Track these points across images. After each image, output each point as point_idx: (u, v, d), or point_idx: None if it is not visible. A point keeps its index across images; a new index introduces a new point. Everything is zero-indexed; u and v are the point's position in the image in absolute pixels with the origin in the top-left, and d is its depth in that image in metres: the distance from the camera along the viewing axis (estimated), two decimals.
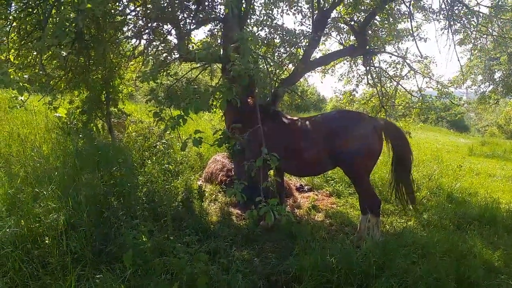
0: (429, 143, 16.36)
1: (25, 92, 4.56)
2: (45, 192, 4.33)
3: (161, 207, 5.02)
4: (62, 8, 3.18)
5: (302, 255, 3.85)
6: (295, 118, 5.19)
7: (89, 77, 5.66)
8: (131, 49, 6.45)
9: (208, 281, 3.25)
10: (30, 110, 7.61)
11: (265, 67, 3.63)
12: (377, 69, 7.67)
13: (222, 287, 3.33)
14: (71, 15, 2.89)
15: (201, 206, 5.68)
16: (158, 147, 6.82)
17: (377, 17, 7.00)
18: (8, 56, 4.37)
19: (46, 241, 3.73)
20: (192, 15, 5.48)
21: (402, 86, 7.74)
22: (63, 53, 3.36)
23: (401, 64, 7.76)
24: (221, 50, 5.72)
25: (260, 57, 3.16)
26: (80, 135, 7.05)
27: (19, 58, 4.45)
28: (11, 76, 3.18)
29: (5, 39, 3.89)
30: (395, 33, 6.85)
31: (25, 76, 4.77)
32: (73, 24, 2.82)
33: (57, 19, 2.79)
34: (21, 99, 4.92)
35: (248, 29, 7.37)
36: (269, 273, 3.82)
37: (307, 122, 4.87)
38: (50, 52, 3.96)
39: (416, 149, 11.76)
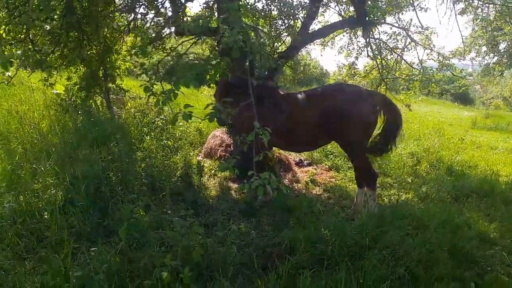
0: (432, 116, 16.27)
1: (15, 68, 4.55)
2: (43, 168, 4.37)
3: (159, 182, 5.05)
4: None
5: (296, 228, 3.89)
6: (291, 93, 5.13)
7: (84, 52, 5.59)
8: (126, 23, 6.35)
9: (204, 253, 3.29)
10: (28, 87, 7.58)
11: (258, 39, 3.55)
12: (377, 41, 7.54)
13: (217, 259, 3.37)
14: None
15: (200, 181, 5.72)
16: (156, 123, 6.81)
17: None
18: None
19: (45, 216, 3.79)
20: None
21: (403, 58, 7.63)
22: (46, 27, 3.31)
23: (402, 35, 7.63)
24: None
25: (251, 28, 3.09)
26: (79, 112, 7.05)
27: (10, 34, 4.41)
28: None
29: None
30: (394, 2, 6.68)
31: (18, 52, 4.74)
32: None
33: None
34: (8, 75, 4.89)
35: (243, 0, 7.25)
36: (264, 245, 3.86)
37: (303, 97, 4.81)
38: (37, 27, 3.89)
39: (418, 122, 11.71)
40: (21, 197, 3.89)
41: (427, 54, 7.46)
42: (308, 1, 6.63)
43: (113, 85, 7.41)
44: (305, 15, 6.52)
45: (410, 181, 6.29)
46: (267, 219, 4.68)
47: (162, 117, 7.09)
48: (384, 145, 4.80)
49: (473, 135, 11.97)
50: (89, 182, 4.16)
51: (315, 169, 6.81)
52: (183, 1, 5.75)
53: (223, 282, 2.95)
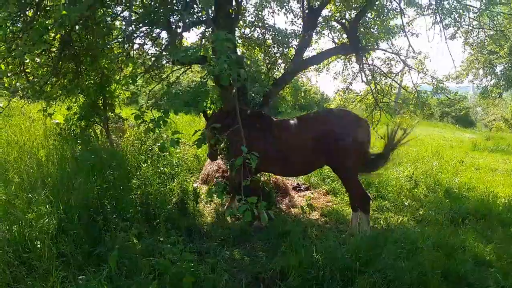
0: (433, 139, 16.26)
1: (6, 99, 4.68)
2: (37, 197, 4.40)
3: (154, 210, 5.06)
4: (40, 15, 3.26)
5: (289, 253, 3.87)
6: (284, 119, 5.20)
7: (83, 83, 5.72)
8: (124, 54, 6.51)
9: (194, 280, 3.28)
10: (29, 117, 7.72)
11: (245, 67, 3.63)
12: (370, 66, 7.67)
13: (208, 286, 3.36)
14: (48, 22, 2.96)
15: (196, 207, 5.73)
16: (153, 150, 6.87)
17: (368, 14, 7.01)
18: None
19: (38, 245, 3.80)
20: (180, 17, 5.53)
21: (397, 82, 7.74)
22: (37, 60, 3.42)
23: (396, 60, 7.76)
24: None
25: (237, 57, 3.18)
26: (78, 141, 7.14)
27: (9, 66, 4.54)
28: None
29: None
30: (384, 30, 6.84)
31: (17, 84, 4.88)
32: (52, 32, 2.89)
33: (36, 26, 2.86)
34: (0, 106, 5.02)
35: (240, 30, 7.44)
36: (257, 272, 3.84)
37: (296, 123, 4.89)
38: (31, 61, 4.02)
39: (418, 145, 11.71)
40: (15, 227, 3.91)
41: (421, 78, 7.57)
42: (301, 30, 6.81)
43: (112, 114, 7.51)
44: (298, 43, 6.68)
45: (407, 204, 6.27)
46: (261, 244, 4.66)
47: (159, 144, 7.14)
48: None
49: (473, 157, 11.94)
50: (82, 211, 4.18)
51: (312, 193, 6.81)
52: (179, 31, 5.90)
53: None
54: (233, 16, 6.12)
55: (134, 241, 4.04)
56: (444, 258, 3.89)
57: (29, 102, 7.42)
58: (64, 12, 2.72)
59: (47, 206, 4.28)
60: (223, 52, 2.98)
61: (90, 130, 7.65)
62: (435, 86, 7.49)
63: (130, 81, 3.35)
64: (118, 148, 7.08)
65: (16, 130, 7.11)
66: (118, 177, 5.39)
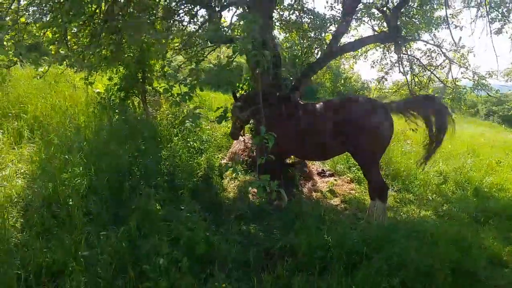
0: (473, 137, 15.67)
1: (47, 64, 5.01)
2: (72, 159, 4.74)
3: (179, 181, 5.30)
4: None
5: (300, 232, 4.00)
6: (308, 103, 5.26)
7: (122, 55, 5.99)
8: (165, 29, 6.72)
9: (207, 248, 3.48)
10: (73, 85, 8.16)
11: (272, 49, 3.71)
12: (410, 57, 7.51)
13: (219, 255, 3.55)
14: None
15: (220, 182, 5.93)
16: (186, 125, 7.11)
17: (414, 3, 6.84)
18: (46, 32, 4.76)
19: (70, 203, 4.12)
20: None
21: (436, 75, 7.53)
22: (74, 30, 3.65)
23: (437, 53, 7.55)
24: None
25: (263, 39, 3.27)
26: (116, 110, 7.51)
27: (56, 35, 4.84)
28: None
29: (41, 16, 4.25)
30: (426, 20, 6.65)
31: (61, 51, 5.19)
32: (94, 4, 3.09)
33: None
34: (41, 71, 5.35)
35: (279, 13, 7.47)
36: (269, 247, 4.00)
37: (319, 108, 4.94)
38: (69, 30, 4.26)
39: (454, 141, 11.35)
40: (50, 184, 4.24)
41: (462, 73, 7.34)
42: (340, 15, 6.75)
43: (150, 87, 7.81)
44: (336, 29, 6.64)
45: (431, 198, 6.20)
46: (277, 223, 4.80)
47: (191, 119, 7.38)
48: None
49: None
50: (111, 175, 4.47)
51: (336, 180, 6.85)
52: (217, 10, 6.03)
53: (219, 275, 3.12)
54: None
55: (157, 206, 4.29)
56: (458, 254, 3.88)
57: (75, 70, 7.82)
58: None
59: (80, 168, 4.61)
60: (249, 33, 3.08)
61: (129, 101, 8.01)
62: (476, 82, 7.25)
63: (166, 63, 3.51)
64: (153, 120, 7.38)
65: (60, 96, 7.55)
66: (149, 147, 5.67)
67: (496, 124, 24.61)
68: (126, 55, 6.18)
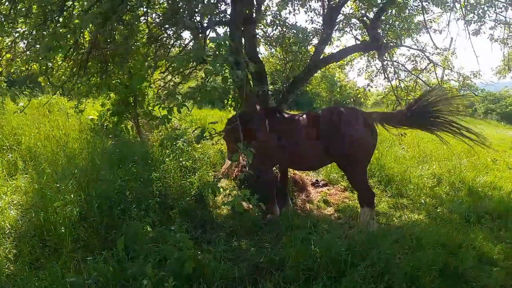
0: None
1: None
2: (63, 187, 4.82)
3: (172, 201, 5.37)
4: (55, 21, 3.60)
5: (288, 244, 4.05)
6: (294, 114, 5.36)
7: (110, 81, 6.14)
8: (151, 54, 6.87)
9: (195, 266, 3.53)
10: (66, 113, 8.31)
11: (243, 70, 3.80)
12: (394, 63, 7.62)
13: (208, 273, 3.60)
14: (62, 30, 3.30)
15: (214, 200, 5.99)
16: (178, 145, 7.19)
17: (392, 10, 6.97)
18: (32, 66, 4.92)
19: (62, 230, 4.19)
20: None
21: (421, 79, 7.63)
22: (49, 64, 3.78)
23: (421, 57, 7.66)
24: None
25: (235, 59, 3.37)
26: (110, 136, 7.64)
27: (42, 67, 4.99)
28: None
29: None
30: (405, 26, 6.79)
31: (49, 82, 5.34)
32: (68, 37, 3.22)
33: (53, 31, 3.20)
34: (21, 105, 5.52)
35: (263, 29, 7.62)
36: (258, 261, 4.04)
37: (303, 119, 5.05)
38: (49, 63, 4.41)
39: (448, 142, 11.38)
40: (42, 213, 4.32)
41: (446, 75, 7.44)
42: (321, 28, 6.90)
43: (141, 110, 7.93)
44: (318, 41, 6.78)
45: (423, 202, 6.23)
46: (268, 236, 4.85)
47: (183, 139, 7.47)
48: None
49: (511, 155, 11.46)
50: (101, 200, 4.55)
51: (329, 189, 6.89)
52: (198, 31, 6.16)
53: None
54: (253, 16, 6.32)
55: (148, 229, 4.36)
56: (445, 255, 3.92)
57: (67, 99, 7.97)
58: (76, 21, 3.03)
59: (71, 195, 4.69)
60: (219, 55, 3.19)
61: (122, 125, 8.13)
62: (461, 83, 7.34)
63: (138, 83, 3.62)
64: (146, 142, 7.48)
65: (54, 125, 7.69)
66: (141, 170, 5.75)
67: (495, 121, 24.61)
68: (114, 81, 6.31)
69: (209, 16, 4.10)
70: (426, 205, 6.15)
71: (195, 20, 6.27)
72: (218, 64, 3.12)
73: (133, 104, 7.87)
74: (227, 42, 3.24)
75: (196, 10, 5.83)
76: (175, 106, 3.42)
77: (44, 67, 4.76)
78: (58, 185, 4.93)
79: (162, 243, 3.96)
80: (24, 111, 5.95)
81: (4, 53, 4.30)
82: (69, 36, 3.32)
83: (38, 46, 3.90)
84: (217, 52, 3.26)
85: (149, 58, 7.08)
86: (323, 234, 4.65)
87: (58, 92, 6.90)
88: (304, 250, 3.79)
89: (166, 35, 6.41)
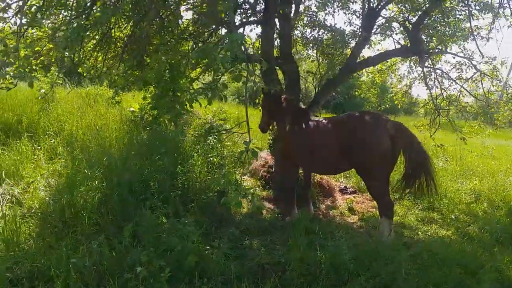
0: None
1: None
2: (90, 173, 5.06)
3: (193, 195, 5.46)
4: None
5: (292, 248, 3.99)
6: (319, 118, 5.29)
7: (146, 75, 6.34)
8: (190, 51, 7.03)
9: (197, 260, 3.58)
10: (110, 104, 8.71)
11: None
12: (437, 71, 7.27)
13: (210, 268, 3.64)
14: (84, 22, 3.46)
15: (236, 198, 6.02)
16: (208, 141, 7.31)
17: (437, 16, 6.67)
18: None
19: (82, 214, 4.41)
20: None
21: (465, 89, 7.22)
22: (66, 54, 3.96)
23: (467, 65, 7.25)
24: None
25: (247, 56, 3.37)
26: (147, 128, 7.91)
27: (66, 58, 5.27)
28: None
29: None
30: (451, 32, 6.46)
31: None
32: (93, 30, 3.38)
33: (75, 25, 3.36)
34: (43, 91, 5.79)
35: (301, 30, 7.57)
36: (265, 262, 4.02)
37: (326, 123, 4.98)
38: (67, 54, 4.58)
39: (492, 158, 10.70)
40: (67, 196, 4.56)
41: (493, 85, 6.99)
42: (359, 30, 6.73)
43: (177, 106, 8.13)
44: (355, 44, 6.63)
45: (454, 218, 5.89)
46: (282, 238, 4.80)
47: (213, 136, 7.59)
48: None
49: None
50: (122, 189, 4.72)
51: (356, 197, 6.71)
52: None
53: (196, 285, 3.21)
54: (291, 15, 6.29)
55: (164, 220, 4.47)
56: (460, 275, 3.70)
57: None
58: (97, 14, 3.18)
59: (96, 182, 4.92)
60: (231, 51, 3.21)
61: (161, 119, 8.39)
62: (510, 95, 6.87)
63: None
64: (179, 136, 7.67)
65: (96, 115, 8.10)
66: (167, 163, 5.90)
67: None
68: (149, 75, 6.52)
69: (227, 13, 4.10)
70: (457, 222, 5.82)
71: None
72: (227, 62, 3.15)
73: (172, 99, 8.10)
74: (242, 40, 3.25)
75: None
76: (187, 101, 3.51)
77: (67, 58, 4.95)
78: (86, 171, 5.18)
79: (170, 234, 4.03)
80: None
81: (45, 42, 4.57)
82: (91, 28, 3.49)
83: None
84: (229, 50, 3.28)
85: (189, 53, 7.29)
86: (336, 240, 4.57)
87: (105, 83, 7.24)
88: (308, 254, 3.72)
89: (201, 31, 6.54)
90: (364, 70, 7.73)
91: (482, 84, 6.96)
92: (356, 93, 10.41)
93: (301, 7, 7.15)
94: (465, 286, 3.58)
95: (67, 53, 3.61)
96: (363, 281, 3.35)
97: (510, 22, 5.91)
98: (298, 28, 7.53)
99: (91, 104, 8.77)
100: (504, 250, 4.69)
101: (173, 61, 6.94)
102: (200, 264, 3.63)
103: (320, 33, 7.05)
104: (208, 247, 3.88)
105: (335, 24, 8.92)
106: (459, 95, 7.39)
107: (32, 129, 7.15)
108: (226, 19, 5.82)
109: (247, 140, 3.35)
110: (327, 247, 3.79)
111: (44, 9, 3.46)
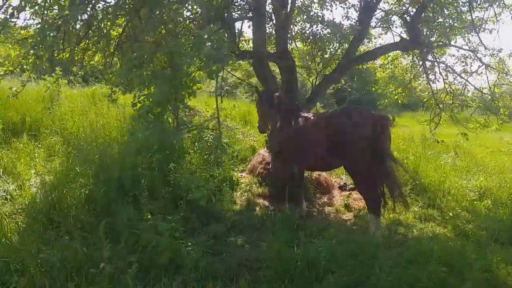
0: None
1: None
2: (81, 171, 5.13)
3: (184, 192, 5.45)
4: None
5: (270, 245, 3.95)
6: (308, 114, 5.22)
7: (142, 74, 6.38)
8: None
9: (171, 255, 3.58)
10: (111, 103, 8.80)
11: None
12: (441, 64, 7.08)
13: (186, 264, 3.63)
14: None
15: (231, 195, 6.01)
16: (206, 138, 7.30)
17: (436, 8, 6.48)
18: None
19: (66, 211, 4.46)
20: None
21: (470, 83, 7.01)
22: (31, 52, 3.98)
23: (472, 58, 7.03)
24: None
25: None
26: (150, 126, 7.95)
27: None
28: None
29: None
30: (454, 25, 6.26)
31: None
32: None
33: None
34: (14, 89, 5.84)
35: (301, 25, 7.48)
36: (245, 259, 3.99)
37: (315, 120, 4.92)
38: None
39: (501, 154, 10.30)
40: (55, 193, 4.63)
41: (499, 79, 6.74)
42: (356, 24, 6.60)
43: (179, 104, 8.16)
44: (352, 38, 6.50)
45: (452, 215, 5.71)
46: (269, 235, 4.74)
47: (211, 133, 7.57)
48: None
49: None
50: (108, 186, 4.76)
51: (351, 194, 6.58)
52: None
53: (165, 282, 3.20)
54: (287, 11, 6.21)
55: (148, 216, 4.49)
56: (445, 273, 3.57)
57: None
58: (66, 11, 3.21)
59: (85, 179, 4.98)
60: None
61: (165, 116, 8.44)
62: None
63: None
64: (177, 134, 7.69)
65: (99, 113, 8.20)
66: (161, 160, 5.92)
67: None
68: (145, 74, 6.56)
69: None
70: (457, 219, 5.63)
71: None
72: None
73: (174, 97, 8.13)
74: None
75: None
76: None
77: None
78: (77, 168, 5.25)
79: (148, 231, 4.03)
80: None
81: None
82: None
83: None
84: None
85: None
86: (320, 238, 4.50)
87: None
88: (284, 252, 3.66)
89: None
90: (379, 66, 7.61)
91: (487, 77, 6.72)
92: (373, 88, 10.24)
93: (298, 2, 7.06)
94: (447, 285, 3.45)
95: (36, 52, 3.59)
96: (336, 278, 3.27)
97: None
98: (296, 24, 7.44)
99: (96, 103, 8.88)
100: (498, 249, 4.51)
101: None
102: (175, 261, 3.62)
103: (315, 27, 6.92)
104: (184, 243, 3.85)
105: (333, 18, 8.75)
106: (464, 89, 7.17)
107: (35, 128, 7.30)
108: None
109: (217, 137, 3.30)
110: (306, 244, 3.72)
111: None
